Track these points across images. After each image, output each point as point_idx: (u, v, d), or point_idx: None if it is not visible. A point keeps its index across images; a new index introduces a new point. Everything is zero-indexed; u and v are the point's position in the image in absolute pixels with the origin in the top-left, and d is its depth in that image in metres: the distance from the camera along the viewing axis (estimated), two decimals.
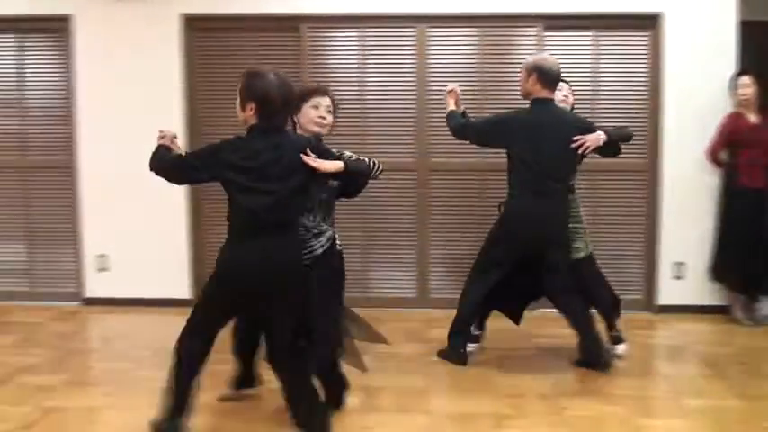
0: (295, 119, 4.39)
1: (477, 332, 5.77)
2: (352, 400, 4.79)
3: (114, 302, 7.10)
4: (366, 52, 6.85)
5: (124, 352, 5.90)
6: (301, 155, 3.91)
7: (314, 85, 4.64)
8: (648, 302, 6.94)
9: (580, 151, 5.24)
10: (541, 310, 6.56)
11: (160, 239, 7.03)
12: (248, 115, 3.93)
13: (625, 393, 4.98)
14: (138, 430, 4.38)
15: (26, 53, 7.12)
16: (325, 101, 4.38)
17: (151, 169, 4.10)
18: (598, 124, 5.43)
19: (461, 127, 5.51)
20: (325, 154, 4.05)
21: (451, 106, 5.62)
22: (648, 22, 6.71)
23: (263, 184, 3.87)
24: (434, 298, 7.03)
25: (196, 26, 6.96)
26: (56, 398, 4.94)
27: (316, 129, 4.34)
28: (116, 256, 7.11)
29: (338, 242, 4.46)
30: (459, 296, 5.61)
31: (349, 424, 4.53)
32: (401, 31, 6.83)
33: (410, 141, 6.82)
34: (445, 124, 5.62)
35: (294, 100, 4.10)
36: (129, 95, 6.87)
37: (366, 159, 4.30)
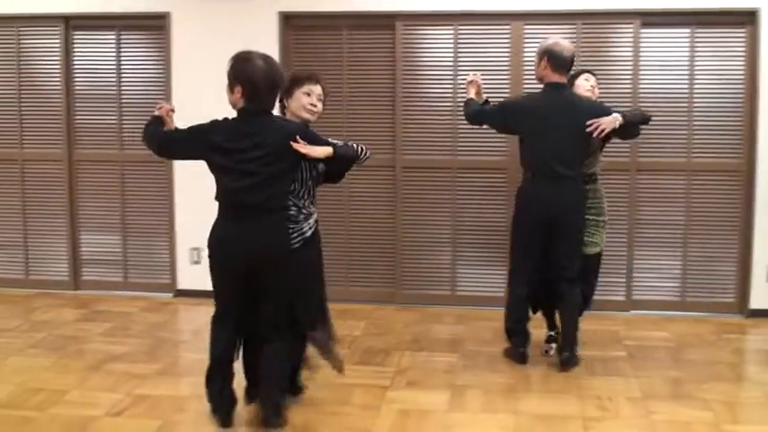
0: (285, 103, 4.45)
1: (551, 332, 5.68)
2: (438, 398, 4.75)
3: (205, 295, 7.12)
4: (460, 50, 6.79)
5: None
6: (291, 141, 3.99)
7: (307, 71, 4.64)
8: (741, 306, 6.70)
9: (595, 135, 5.12)
10: (633, 312, 6.40)
11: None
12: (236, 98, 4.04)
13: (715, 398, 4.83)
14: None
15: (125, 50, 7.27)
16: (317, 89, 4.41)
17: (143, 140, 4.26)
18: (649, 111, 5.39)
19: (475, 113, 5.46)
20: (314, 139, 4.12)
21: (471, 95, 5.58)
22: (746, 19, 6.48)
23: (245, 166, 3.98)
24: None
25: (293, 24, 7.00)
26: (145, 386, 5.02)
27: (305, 115, 4.38)
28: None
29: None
30: None
31: (434, 422, 4.50)
32: (496, 29, 6.74)
33: (503, 139, 6.72)
34: None
35: (281, 85, 4.17)
36: (224, 92, 6.92)
37: (354, 145, 4.35)
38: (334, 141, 4.27)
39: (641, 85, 6.62)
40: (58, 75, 7.33)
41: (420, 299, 7.01)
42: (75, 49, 7.34)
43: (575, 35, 6.63)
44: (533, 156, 5.26)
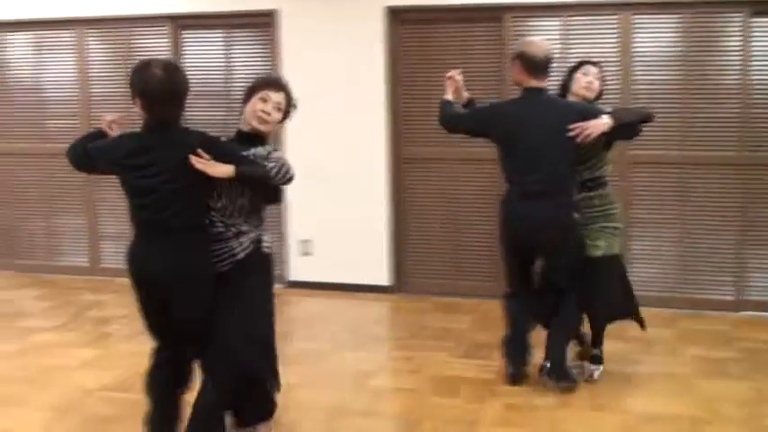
0: (243, 109, 3.98)
1: (596, 351, 5.14)
2: (544, 393, 4.72)
3: (316, 286, 7.29)
4: (569, 41, 6.70)
5: (322, 334, 6.08)
6: (191, 155, 3.56)
7: (273, 77, 4.26)
8: None
9: (579, 140, 4.57)
10: (745, 312, 6.23)
11: (362, 227, 7.18)
12: (139, 110, 3.64)
13: None
14: (326, 409, 4.56)
15: (233, 47, 7.44)
16: (278, 96, 3.92)
17: (66, 154, 3.97)
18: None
19: (449, 118, 5.01)
20: (221, 153, 3.65)
21: (447, 96, 5.07)
22: None
23: (144, 182, 3.64)
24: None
25: (400, 18, 7.04)
26: None
27: (255, 123, 3.90)
28: (319, 241, 7.30)
29: (267, 244, 3.97)
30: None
31: (539, 418, 4.48)
32: (604, 20, 6.64)
33: (723, 130, 6.53)
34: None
35: (183, 94, 3.65)
36: (332, 87, 7.05)
37: (271, 164, 3.78)
38: (278, 155, 3.90)
39: (752, 77, 6.42)
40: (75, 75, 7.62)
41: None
42: (184, 49, 7.55)
43: (682, 26, 6.47)
44: (507, 169, 4.85)
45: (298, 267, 7.39)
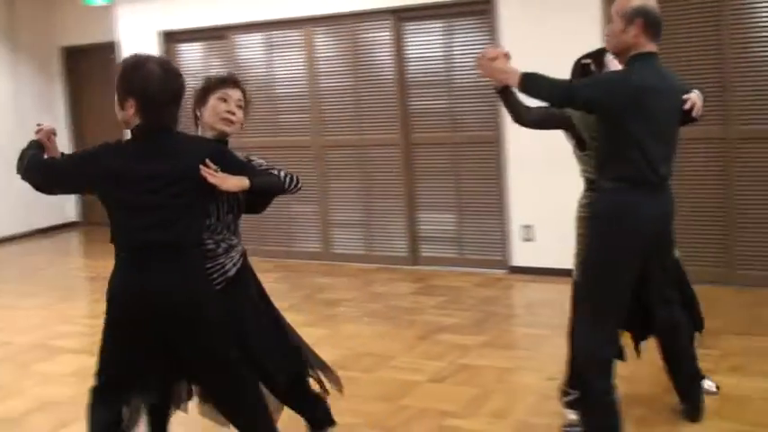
0: (198, 114, 3.67)
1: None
2: (762, 385, 4.53)
3: (538, 272, 7.29)
4: None
5: (543, 319, 6.09)
6: (201, 166, 3.17)
7: (223, 73, 3.83)
8: None
9: (694, 113, 3.82)
10: None
11: None
12: (129, 114, 3.18)
13: None
14: (538, 393, 4.59)
15: (453, 37, 7.57)
16: (236, 93, 3.64)
17: (17, 172, 3.30)
18: None
19: (566, 91, 3.78)
20: (230, 164, 3.32)
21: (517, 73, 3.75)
22: None
23: (148, 198, 3.15)
24: None
25: None
26: (470, 356, 5.27)
27: (222, 126, 3.60)
28: (541, 227, 7.29)
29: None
30: None
31: (754, 410, 4.32)
32: None
33: None
34: None
35: (183, 95, 3.27)
36: (554, 72, 6.96)
37: (278, 172, 3.56)
38: (259, 162, 3.65)
39: None
40: (390, 65, 7.82)
41: (759, 281, 6.53)
42: (406, 40, 7.77)
43: None
44: (637, 156, 3.65)
45: (520, 253, 7.43)
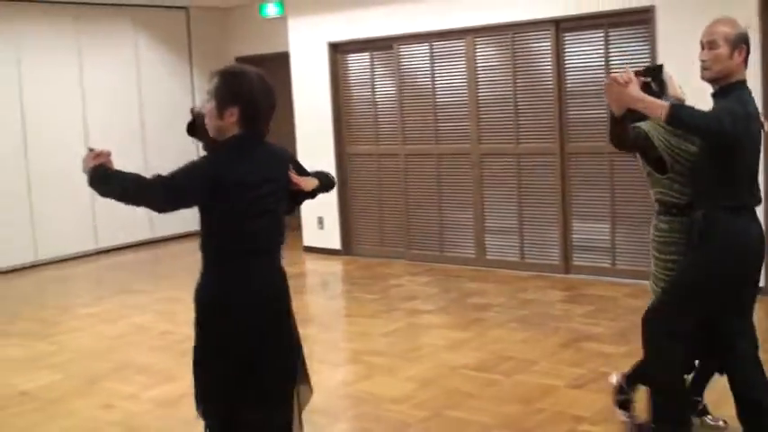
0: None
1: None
2: None
3: None
4: None
5: None
6: (289, 172, 3.46)
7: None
8: None
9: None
10: None
11: None
12: (227, 123, 3.30)
13: None
14: None
15: (612, 46, 7.55)
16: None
17: (105, 193, 3.27)
18: None
19: (718, 124, 3.62)
20: (300, 168, 3.58)
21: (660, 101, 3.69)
22: None
23: (262, 204, 3.33)
24: None
25: None
26: (611, 365, 5.27)
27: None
28: None
29: None
30: None
31: None
32: None
33: None
34: None
35: (275, 106, 3.40)
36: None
37: (328, 173, 3.77)
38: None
39: None
40: (549, 74, 7.88)
41: None
42: (566, 50, 7.81)
43: None
44: (746, 181, 3.81)
45: None
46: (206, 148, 4.06)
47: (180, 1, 11.09)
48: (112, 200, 3.31)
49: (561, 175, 7.90)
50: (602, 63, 7.60)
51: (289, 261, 8.95)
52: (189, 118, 4.21)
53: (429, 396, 5.01)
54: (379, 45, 9.08)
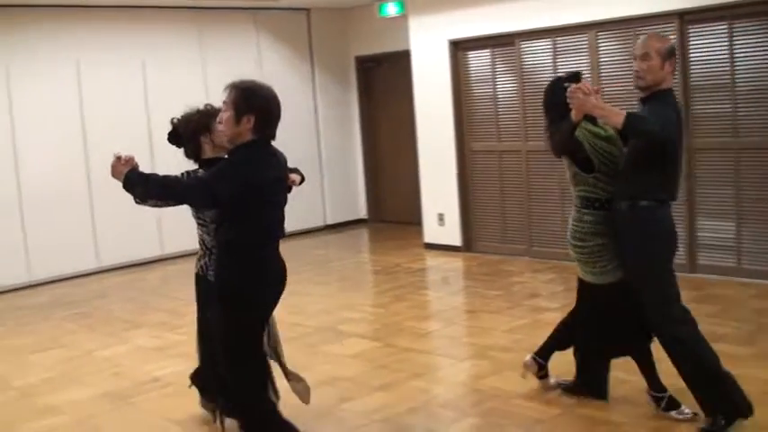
0: (204, 140, 4.50)
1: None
2: None
3: None
4: None
5: None
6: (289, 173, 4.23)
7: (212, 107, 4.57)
8: None
9: None
10: None
11: None
12: (244, 129, 3.83)
13: None
14: None
15: (736, 39, 7.37)
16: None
17: (143, 194, 3.98)
18: None
19: (662, 128, 4.16)
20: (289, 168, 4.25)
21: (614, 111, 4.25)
22: None
23: (279, 198, 4.02)
24: None
25: None
26: (737, 366, 5.03)
27: (228, 144, 4.06)
28: None
29: None
30: None
31: None
32: None
33: None
34: None
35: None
36: None
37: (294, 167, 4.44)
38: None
39: None
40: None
41: None
42: (691, 43, 7.67)
43: None
44: (675, 175, 4.41)
45: None
46: (188, 154, 4.60)
47: (301, 3, 11.34)
48: (148, 200, 4.06)
49: (687, 172, 7.76)
50: (727, 56, 7.43)
51: (410, 257, 9.22)
52: (170, 128, 4.77)
53: (558, 393, 5.01)
54: (501, 41, 9.09)
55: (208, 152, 4.52)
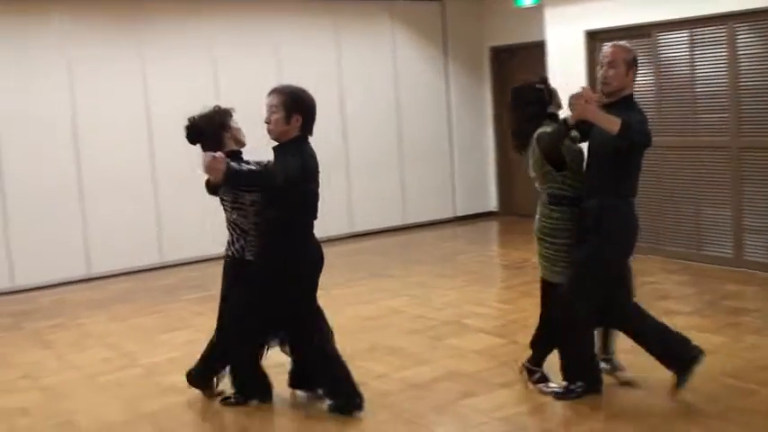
0: (228, 134, 4.98)
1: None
2: None
3: None
4: None
5: None
6: None
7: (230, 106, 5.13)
8: None
9: None
10: None
11: None
12: (292, 127, 4.60)
13: None
14: None
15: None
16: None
17: (240, 183, 4.71)
18: None
19: (648, 133, 4.68)
20: None
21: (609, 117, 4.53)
22: None
23: (319, 186, 4.73)
24: None
25: None
26: None
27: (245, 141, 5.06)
28: None
29: None
30: None
31: None
32: None
33: None
34: None
35: None
36: None
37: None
38: None
39: None
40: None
41: None
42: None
43: None
44: (632, 179, 4.82)
45: None
46: (208, 148, 4.84)
47: None
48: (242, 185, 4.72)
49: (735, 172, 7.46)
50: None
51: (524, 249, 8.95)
52: (188, 125, 5.14)
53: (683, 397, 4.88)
54: (637, 33, 8.81)
55: (229, 146, 4.97)
